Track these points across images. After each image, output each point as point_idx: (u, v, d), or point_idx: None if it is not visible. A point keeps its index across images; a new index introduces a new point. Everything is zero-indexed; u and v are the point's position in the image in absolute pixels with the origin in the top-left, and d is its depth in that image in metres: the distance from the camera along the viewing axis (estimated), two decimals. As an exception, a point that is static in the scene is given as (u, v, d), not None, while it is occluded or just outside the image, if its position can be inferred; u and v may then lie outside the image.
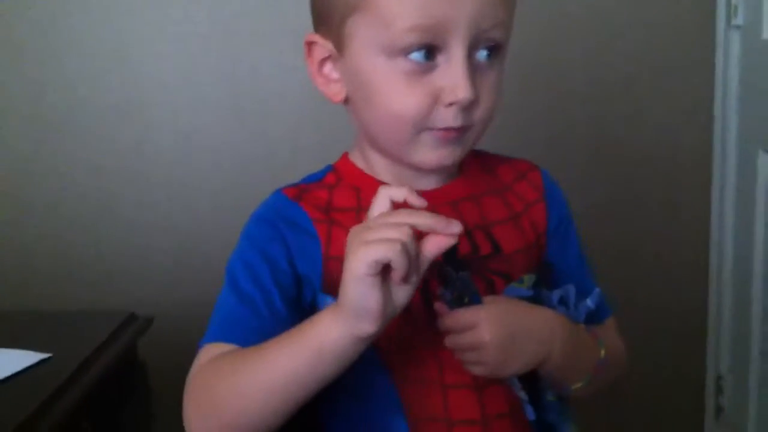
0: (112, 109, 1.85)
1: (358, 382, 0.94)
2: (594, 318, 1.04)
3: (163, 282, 1.87)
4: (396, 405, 0.95)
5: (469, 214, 1.00)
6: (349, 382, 0.90)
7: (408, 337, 0.95)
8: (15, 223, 1.86)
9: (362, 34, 0.92)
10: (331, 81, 0.98)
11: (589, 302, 1.03)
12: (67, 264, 1.87)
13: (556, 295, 1.01)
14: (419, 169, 0.98)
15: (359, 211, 0.98)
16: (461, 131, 0.93)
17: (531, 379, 0.96)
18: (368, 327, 0.81)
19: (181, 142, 1.87)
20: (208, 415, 0.89)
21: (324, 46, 0.96)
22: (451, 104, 0.90)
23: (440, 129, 0.92)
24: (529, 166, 1.11)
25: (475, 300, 0.92)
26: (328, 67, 0.98)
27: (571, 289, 1.02)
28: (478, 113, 0.93)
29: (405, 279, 0.80)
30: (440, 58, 0.90)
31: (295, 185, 1.03)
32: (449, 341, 0.92)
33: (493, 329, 0.90)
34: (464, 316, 0.91)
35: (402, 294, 0.82)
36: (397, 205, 0.84)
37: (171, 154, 1.87)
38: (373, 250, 0.77)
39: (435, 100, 0.90)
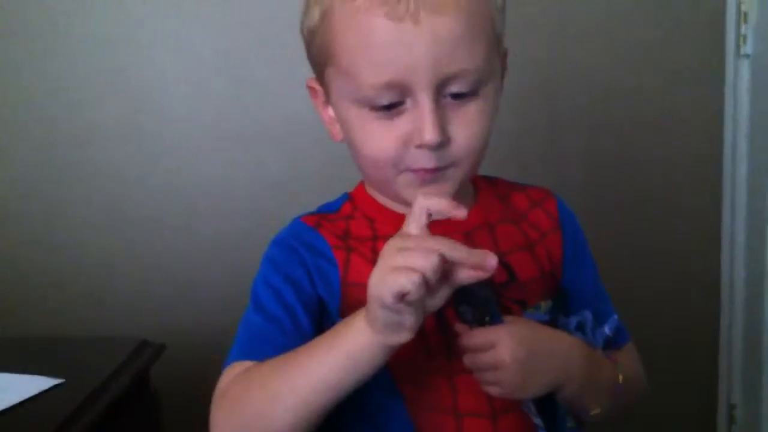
0: (118, 135, 1.86)
1: (372, 407, 0.95)
2: (611, 344, 1.05)
3: (176, 309, 1.88)
4: None
5: (483, 243, 1.00)
6: (364, 406, 0.91)
7: (423, 364, 0.95)
8: (28, 250, 1.87)
9: (335, 85, 0.96)
10: (334, 121, 1.01)
11: (607, 329, 1.03)
12: (80, 290, 1.88)
13: (573, 320, 1.02)
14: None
15: (375, 240, 0.99)
16: (438, 170, 0.93)
17: (547, 405, 0.96)
18: (402, 338, 0.82)
19: (192, 169, 1.88)
20: (238, 426, 0.89)
21: (319, 90, 1.00)
22: (419, 146, 0.91)
23: (417, 169, 0.93)
24: (544, 194, 1.11)
25: (497, 320, 0.92)
26: (329, 108, 1.01)
27: (588, 316, 1.03)
28: (455, 151, 0.93)
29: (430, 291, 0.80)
30: (408, 102, 0.91)
31: (313, 213, 1.05)
32: (468, 360, 0.92)
33: (513, 349, 0.89)
34: (485, 334, 0.91)
35: (433, 302, 0.82)
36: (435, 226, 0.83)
37: (183, 180, 1.88)
38: (398, 282, 0.76)
39: (406, 142, 0.92)
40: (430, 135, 0.90)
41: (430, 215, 0.82)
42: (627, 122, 1.95)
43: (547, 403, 0.96)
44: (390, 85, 0.90)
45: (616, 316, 1.05)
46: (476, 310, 0.92)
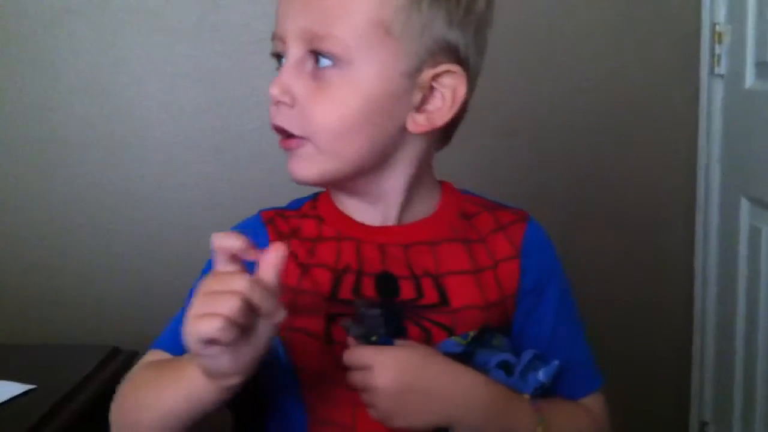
0: (93, 143, 1.86)
1: (279, 412, 0.97)
2: (556, 391, 0.98)
3: (148, 317, 1.87)
4: None
5: (421, 260, 0.97)
6: (274, 409, 0.93)
7: (330, 375, 0.93)
8: (2, 255, 1.87)
9: None
10: None
11: (540, 375, 0.94)
12: (52, 297, 1.87)
13: (497, 358, 0.94)
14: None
15: (316, 242, 0.98)
16: (289, 140, 0.93)
17: None
18: (232, 381, 0.80)
19: (170, 177, 1.88)
20: (117, 420, 0.93)
21: None
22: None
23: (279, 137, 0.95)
24: (515, 218, 1.04)
25: (385, 341, 0.89)
26: None
27: (525, 356, 0.95)
28: (306, 122, 0.91)
29: (247, 332, 0.77)
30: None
31: (274, 208, 1.04)
32: (348, 377, 0.89)
33: (386, 376, 0.86)
34: (362, 354, 0.88)
35: (261, 337, 0.78)
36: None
37: (158, 188, 1.89)
38: (200, 329, 0.74)
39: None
40: (272, 88, 0.91)
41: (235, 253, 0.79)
42: (602, 139, 1.97)
43: None
44: (274, 36, 0.93)
45: (557, 361, 0.95)
46: (361, 327, 0.89)
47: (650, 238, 2.02)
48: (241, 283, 0.75)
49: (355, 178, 0.96)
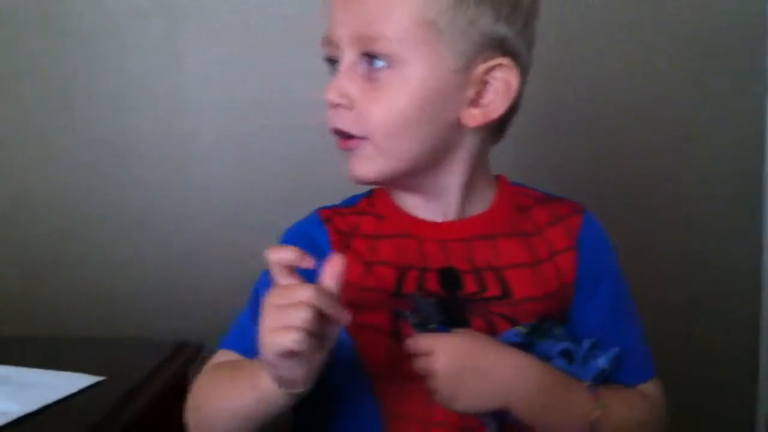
0: (155, 142, 1.88)
1: (349, 411, 0.99)
2: (615, 379, 1.01)
3: (213, 311, 1.89)
4: None
5: (482, 254, 1.01)
6: (343, 409, 0.96)
7: (399, 368, 0.95)
8: (68, 252, 1.91)
9: None
10: None
11: (601, 361, 0.99)
12: (118, 291, 1.91)
13: (558, 347, 0.98)
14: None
15: (377, 239, 1.01)
16: (348, 141, 0.97)
17: (516, 428, 0.94)
18: (299, 389, 0.86)
19: (223, 174, 1.90)
20: (193, 418, 1.00)
21: None
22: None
23: (337, 139, 0.99)
24: (571, 210, 1.08)
25: (442, 329, 0.93)
26: None
27: (585, 344, 0.99)
28: (363, 122, 0.95)
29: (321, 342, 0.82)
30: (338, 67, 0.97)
31: (332, 207, 1.07)
32: (413, 364, 0.92)
33: (444, 360, 0.89)
34: (422, 342, 0.92)
35: (330, 343, 0.85)
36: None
37: (216, 184, 1.90)
38: (279, 343, 0.80)
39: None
40: (329, 92, 0.96)
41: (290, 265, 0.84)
42: (664, 136, 1.95)
43: (515, 423, 0.94)
44: (325, 40, 0.98)
45: (617, 349, 1.00)
46: (418, 316, 0.94)
47: (717, 236, 1.98)
48: (307, 293, 0.80)
49: (414, 175, 1.00)
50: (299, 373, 0.83)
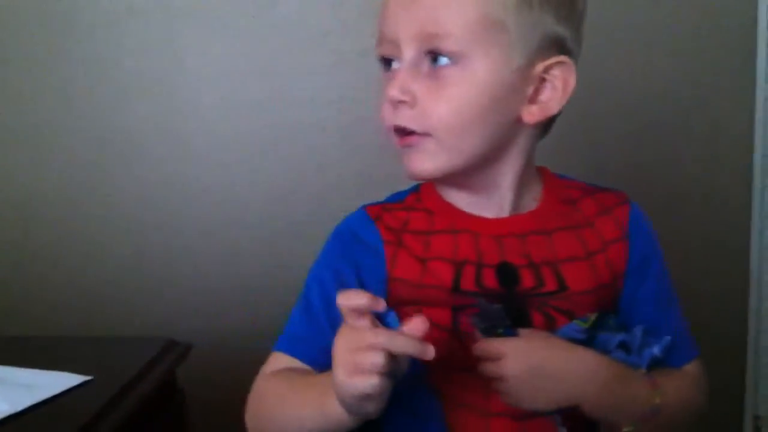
0: (154, 140, 1.88)
1: (409, 401, 0.99)
2: (665, 363, 1.04)
3: (203, 310, 1.90)
4: (441, 428, 0.99)
5: (538, 249, 1.02)
6: (403, 400, 0.94)
7: (459, 362, 0.97)
8: (59, 251, 1.90)
9: None
10: None
11: (655, 349, 1.02)
12: (107, 290, 1.90)
13: (615, 339, 1.00)
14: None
15: (430, 235, 1.02)
16: (409, 137, 0.97)
17: (576, 416, 0.97)
18: (370, 415, 0.87)
19: (228, 173, 1.89)
20: (257, 425, 1.02)
21: None
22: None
23: (393, 130, 0.99)
24: (618, 200, 1.10)
25: (509, 333, 0.94)
26: None
27: (637, 334, 1.02)
28: (426, 119, 0.96)
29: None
30: (395, 66, 0.98)
31: (379, 203, 1.08)
32: (480, 368, 0.94)
33: (515, 364, 0.92)
34: (491, 346, 0.93)
35: (401, 372, 0.86)
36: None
37: (215, 184, 1.90)
38: (359, 387, 0.83)
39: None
40: (391, 89, 0.95)
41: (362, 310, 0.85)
42: (656, 132, 1.95)
43: (576, 413, 0.96)
44: (383, 38, 0.98)
45: (669, 337, 1.03)
46: (486, 321, 0.95)
47: (706, 232, 1.98)
48: (380, 338, 0.82)
49: (471, 172, 1.01)
50: (372, 408, 0.86)
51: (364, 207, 1.07)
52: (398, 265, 1.01)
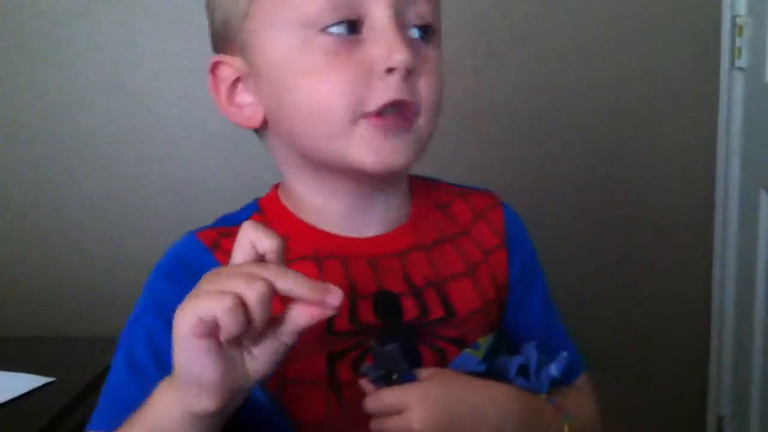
0: (112, 139, 1.86)
1: None
2: (560, 384, 0.89)
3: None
4: None
5: (419, 269, 0.85)
6: None
7: (339, 424, 0.80)
8: (20, 251, 1.87)
9: (267, 25, 0.79)
10: (245, 106, 0.84)
11: (554, 370, 0.86)
12: (69, 290, 1.88)
13: (514, 363, 0.86)
14: (362, 180, 0.82)
15: (287, 264, 0.69)
16: (406, 119, 0.78)
17: None
18: (205, 403, 0.65)
19: (187, 172, 1.88)
20: None
21: (231, 65, 0.83)
22: (389, 71, 0.76)
23: (379, 115, 0.77)
24: (490, 201, 0.95)
25: (407, 377, 0.77)
26: (239, 93, 0.84)
27: (532, 354, 0.86)
28: (424, 90, 0.78)
29: (238, 342, 0.65)
30: (365, 32, 0.77)
31: (213, 227, 0.88)
32: (374, 426, 0.77)
33: (426, 414, 0.74)
34: (390, 397, 0.76)
35: (257, 365, 0.67)
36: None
37: (175, 183, 1.88)
38: (200, 305, 0.62)
39: (368, 73, 0.76)
40: (402, 53, 0.75)
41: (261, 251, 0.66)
42: (620, 134, 1.96)
43: None
44: (342, 5, 0.76)
45: (565, 354, 0.86)
46: (380, 367, 0.78)
47: (668, 234, 2.00)
48: (268, 268, 0.64)
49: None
50: (209, 371, 0.64)
51: (193, 233, 0.86)
52: None
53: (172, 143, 1.87)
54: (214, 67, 0.84)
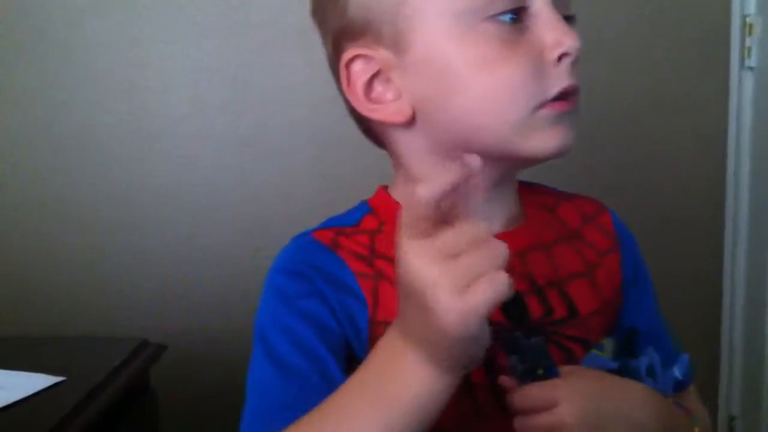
0: (121, 140, 1.86)
1: None
2: (680, 388, 0.89)
3: (178, 310, 1.89)
4: None
5: (541, 268, 0.85)
6: None
7: (471, 427, 0.79)
8: (30, 250, 1.88)
9: (424, 11, 0.76)
10: (387, 102, 0.80)
11: (677, 371, 0.86)
12: (80, 290, 1.88)
13: (643, 363, 0.84)
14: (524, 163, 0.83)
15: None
16: (575, 101, 0.79)
17: None
18: (472, 368, 0.68)
19: (196, 173, 1.88)
20: None
21: (373, 57, 0.79)
22: (562, 57, 0.76)
23: (556, 100, 0.77)
24: (596, 207, 0.95)
25: (552, 372, 0.75)
26: (378, 87, 0.81)
27: (654, 356, 0.85)
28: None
29: None
30: (526, 19, 0.76)
31: (328, 227, 0.86)
32: (520, 424, 0.74)
33: (576, 409, 0.73)
34: (540, 392, 0.74)
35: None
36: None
37: (184, 184, 1.89)
38: (482, 302, 0.61)
39: (540, 60, 0.76)
40: (573, 38, 0.76)
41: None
42: (630, 133, 1.95)
43: None
44: None
45: (686, 355, 0.88)
46: (526, 361, 0.75)
47: (678, 233, 1.99)
48: (500, 246, 0.63)
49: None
50: (483, 349, 0.65)
51: (308, 234, 0.85)
52: (382, 304, 0.79)
53: (181, 144, 1.87)
54: (350, 62, 0.81)
